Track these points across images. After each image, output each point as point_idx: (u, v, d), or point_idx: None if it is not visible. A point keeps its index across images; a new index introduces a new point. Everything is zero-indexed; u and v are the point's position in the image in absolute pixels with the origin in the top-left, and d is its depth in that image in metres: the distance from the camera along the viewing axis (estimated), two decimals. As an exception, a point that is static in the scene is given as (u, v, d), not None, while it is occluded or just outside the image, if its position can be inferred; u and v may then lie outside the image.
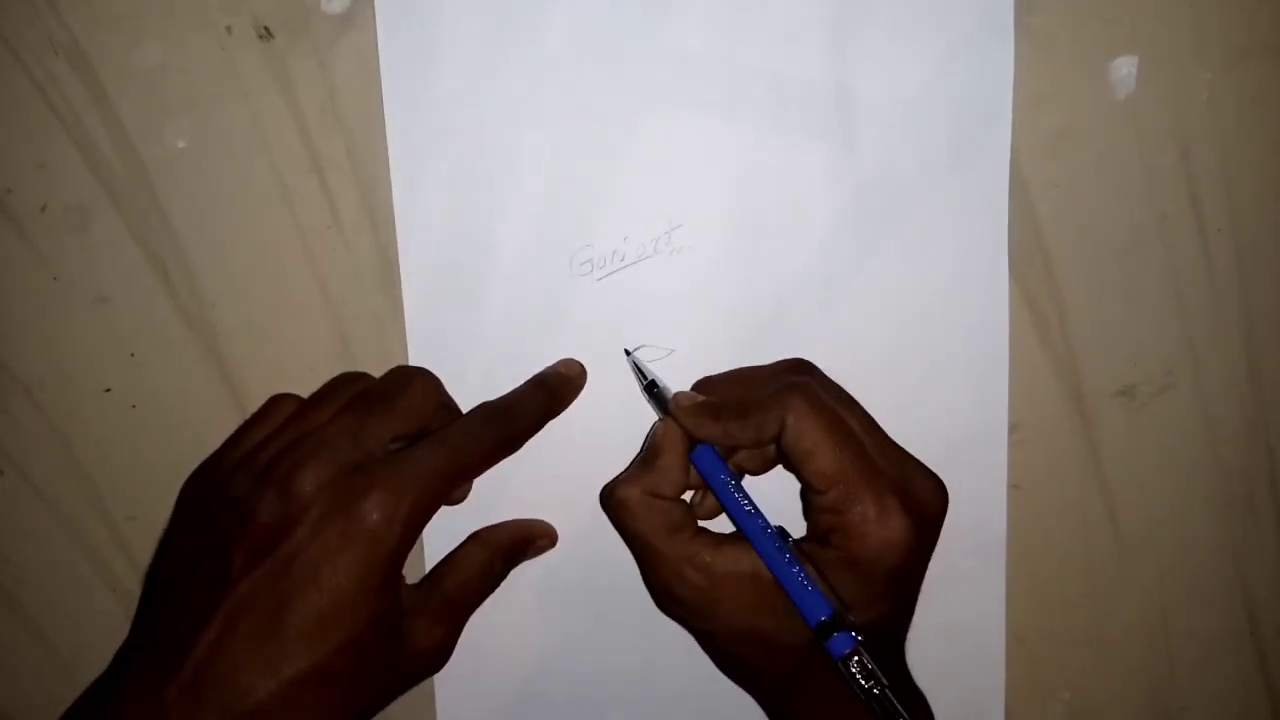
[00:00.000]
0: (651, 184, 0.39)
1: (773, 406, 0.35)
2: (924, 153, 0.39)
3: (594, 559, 0.41)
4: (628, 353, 0.40)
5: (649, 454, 0.37)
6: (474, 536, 0.39)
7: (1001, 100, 0.39)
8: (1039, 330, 0.41)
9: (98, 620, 0.42)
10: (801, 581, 0.34)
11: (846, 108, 0.39)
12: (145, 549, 0.42)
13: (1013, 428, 0.41)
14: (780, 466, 0.39)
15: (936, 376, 0.41)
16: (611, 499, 0.37)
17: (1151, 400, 0.42)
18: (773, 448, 0.38)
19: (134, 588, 0.42)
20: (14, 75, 0.38)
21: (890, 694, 0.33)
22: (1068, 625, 0.44)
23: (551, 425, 0.39)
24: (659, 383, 0.39)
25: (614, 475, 0.40)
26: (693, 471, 0.37)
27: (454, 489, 0.35)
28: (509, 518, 0.41)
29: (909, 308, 0.40)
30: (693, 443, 0.37)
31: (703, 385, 0.39)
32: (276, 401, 0.38)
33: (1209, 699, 0.45)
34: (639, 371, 0.39)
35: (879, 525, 0.34)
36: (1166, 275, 0.41)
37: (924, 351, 0.41)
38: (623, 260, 0.40)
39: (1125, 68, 0.39)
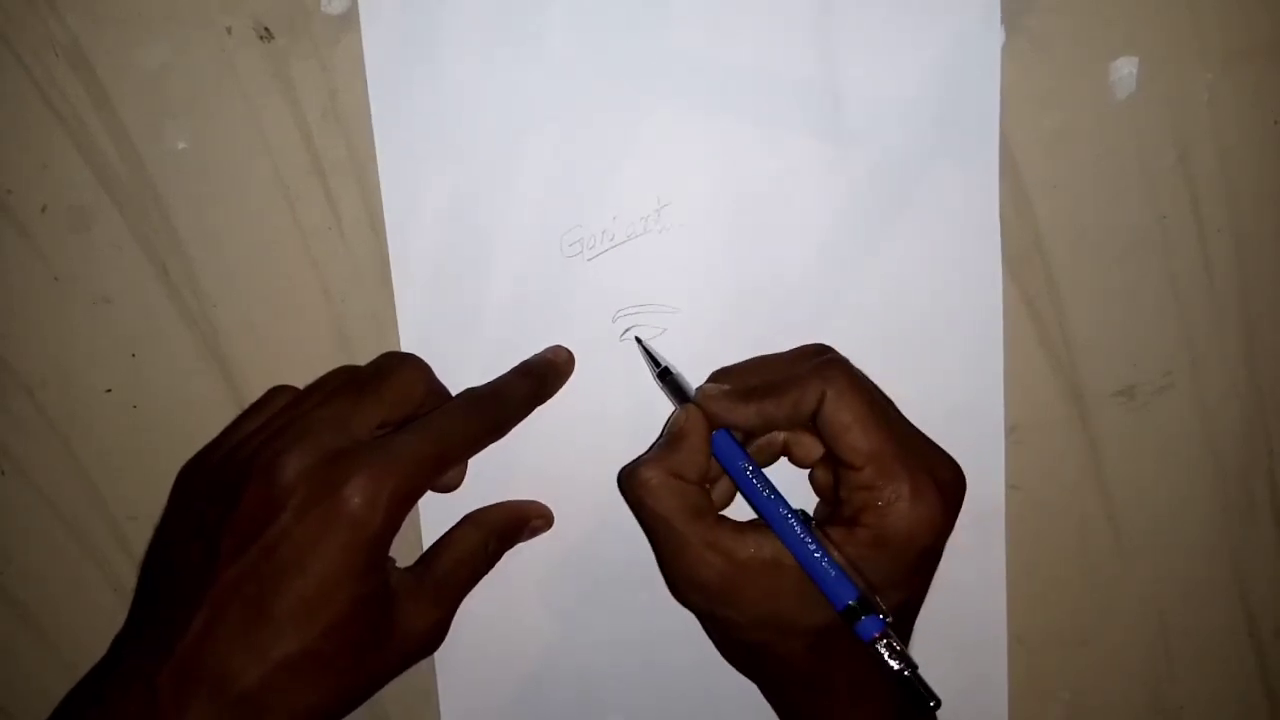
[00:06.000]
0: (639, 162, 0.39)
1: (811, 382, 0.35)
2: (914, 137, 0.39)
3: (591, 543, 0.42)
4: (639, 341, 0.40)
5: (672, 437, 0.37)
6: (467, 518, 0.40)
7: (989, 98, 0.39)
8: (1038, 331, 0.41)
9: (99, 619, 0.42)
10: (826, 565, 0.34)
11: (835, 91, 0.39)
12: (146, 548, 0.42)
13: (1012, 428, 0.41)
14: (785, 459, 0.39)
15: (933, 376, 0.41)
16: (634, 479, 0.36)
17: (1151, 401, 0.42)
18: (781, 438, 0.38)
19: (135, 586, 0.42)
20: (15, 76, 0.39)
21: (921, 676, 0.33)
22: (1067, 625, 0.44)
23: (546, 408, 0.39)
24: (672, 369, 0.39)
25: (607, 456, 0.40)
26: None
27: (438, 474, 0.35)
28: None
29: (900, 290, 0.40)
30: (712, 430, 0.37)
31: (720, 375, 0.39)
32: (273, 393, 0.38)
33: (1207, 699, 0.45)
34: (650, 359, 0.39)
35: (913, 503, 0.34)
36: (1166, 276, 0.41)
37: (919, 350, 0.41)
38: (612, 240, 0.40)
39: (1125, 68, 0.39)
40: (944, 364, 0.41)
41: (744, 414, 0.36)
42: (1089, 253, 0.41)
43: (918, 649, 0.38)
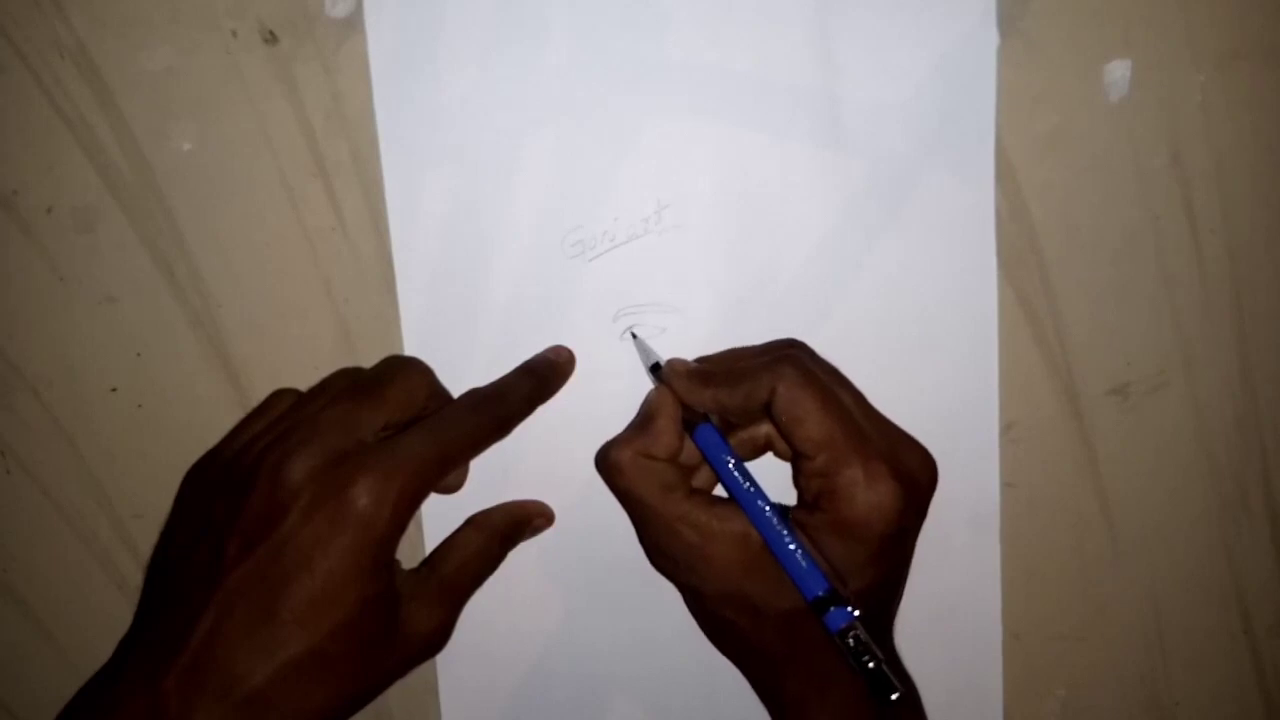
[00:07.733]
0: (640, 164, 0.40)
1: (763, 375, 0.36)
2: (910, 139, 0.40)
3: (592, 541, 0.42)
4: (634, 336, 0.40)
5: (642, 418, 0.39)
6: (470, 520, 0.40)
7: (985, 101, 0.39)
8: (1033, 330, 0.41)
9: (104, 618, 0.42)
10: (799, 557, 0.35)
11: (833, 94, 0.39)
12: (151, 547, 0.42)
13: (1007, 426, 0.42)
14: (770, 454, 0.40)
15: (929, 375, 0.41)
16: (605, 461, 0.38)
17: (1145, 399, 0.42)
18: (764, 432, 0.39)
19: (140, 585, 0.43)
20: (21, 78, 0.39)
21: (886, 668, 0.34)
22: (1062, 622, 0.44)
23: (547, 408, 0.39)
24: (663, 364, 0.40)
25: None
26: (696, 448, 0.38)
27: (443, 474, 0.36)
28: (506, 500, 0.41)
29: (897, 290, 0.41)
30: (687, 410, 0.38)
31: (699, 361, 0.40)
32: (276, 396, 0.39)
33: (1202, 695, 0.45)
34: (644, 354, 0.40)
35: (867, 489, 0.35)
36: (1159, 276, 0.41)
37: (916, 349, 0.41)
38: (613, 241, 0.40)
39: (1119, 71, 0.40)
40: (940, 362, 0.41)
41: (701, 397, 0.38)
42: (1083, 253, 0.41)
43: (914, 646, 0.38)
